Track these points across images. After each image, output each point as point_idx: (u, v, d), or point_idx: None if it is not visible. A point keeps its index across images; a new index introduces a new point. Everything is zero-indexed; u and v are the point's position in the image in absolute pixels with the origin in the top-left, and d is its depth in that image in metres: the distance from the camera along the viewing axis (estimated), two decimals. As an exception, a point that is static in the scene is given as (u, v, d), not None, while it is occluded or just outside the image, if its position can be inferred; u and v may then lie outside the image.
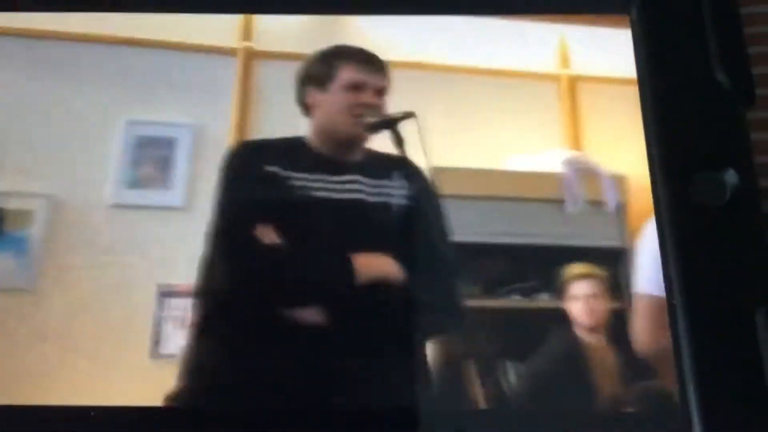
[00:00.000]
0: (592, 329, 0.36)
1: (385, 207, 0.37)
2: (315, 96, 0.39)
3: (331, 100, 0.39)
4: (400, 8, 0.41)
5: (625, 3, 0.38)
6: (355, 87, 0.39)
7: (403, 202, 0.37)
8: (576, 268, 0.37)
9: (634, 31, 0.38)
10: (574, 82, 0.43)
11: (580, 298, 0.36)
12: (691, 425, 0.28)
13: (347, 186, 0.37)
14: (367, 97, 0.39)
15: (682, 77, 0.35)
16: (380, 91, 0.39)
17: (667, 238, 0.33)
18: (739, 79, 0.33)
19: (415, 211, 0.37)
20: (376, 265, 0.35)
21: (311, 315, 0.35)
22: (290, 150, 0.39)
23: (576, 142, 0.41)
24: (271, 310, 0.34)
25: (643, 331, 0.35)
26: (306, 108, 0.40)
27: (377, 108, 0.39)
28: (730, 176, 0.32)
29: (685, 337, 0.30)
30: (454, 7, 0.41)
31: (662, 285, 0.37)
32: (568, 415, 0.33)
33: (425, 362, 0.34)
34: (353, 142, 0.39)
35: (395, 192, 0.37)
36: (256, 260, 0.35)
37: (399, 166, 0.38)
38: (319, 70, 0.39)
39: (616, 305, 0.37)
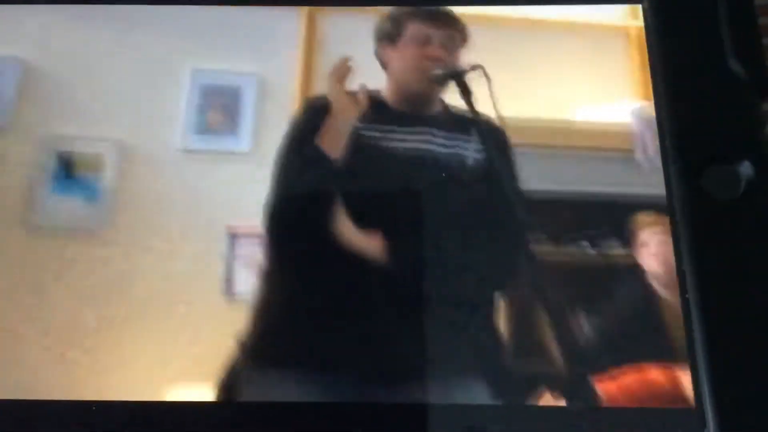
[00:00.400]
0: (666, 282, 0.36)
1: (457, 159, 0.37)
2: (387, 51, 0.40)
3: (400, 55, 0.39)
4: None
5: (639, -9, 0.37)
6: (422, 41, 0.39)
7: (476, 155, 0.37)
8: (643, 217, 0.37)
9: (646, 19, 0.37)
10: (641, 33, 0.42)
11: (650, 245, 0.36)
12: (705, 425, 0.28)
13: (417, 137, 0.37)
14: (432, 51, 0.39)
15: (695, 67, 0.34)
16: (447, 44, 0.39)
17: (680, 232, 0.32)
18: (754, 70, 0.33)
19: (487, 165, 0.37)
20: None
21: (373, 245, 0.34)
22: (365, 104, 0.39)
23: (647, 92, 0.40)
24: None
25: None
26: (382, 64, 0.40)
27: (443, 61, 0.39)
28: (745, 168, 0.31)
29: (699, 335, 0.30)
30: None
31: None
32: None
33: (491, 316, 0.34)
34: (422, 95, 0.39)
35: (469, 146, 0.37)
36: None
37: (476, 121, 0.38)
38: (390, 27, 0.40)
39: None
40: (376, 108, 0.38)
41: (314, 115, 0.38)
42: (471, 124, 0.38)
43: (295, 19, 0.44)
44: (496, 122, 0.38)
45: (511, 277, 0.36)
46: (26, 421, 0.30)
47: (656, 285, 0.36)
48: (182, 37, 0.43)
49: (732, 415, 0.28)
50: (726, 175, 0.32)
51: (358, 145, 0.37)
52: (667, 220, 0.37)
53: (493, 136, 0.38)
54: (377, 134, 0.37)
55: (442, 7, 0.41)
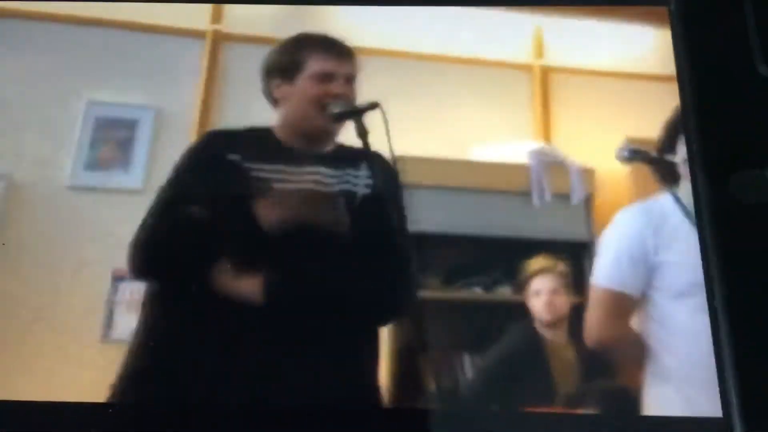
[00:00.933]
0: (552, 325, 0.36)
1: (345, 195, 0.36)
2: (282, 88, 0.38)
3: (299, 92, 0.38)
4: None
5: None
6: (324, 77, 0.38)
7: (364, 191, 0.37)
8: (537, 263, 0.36)
9: (673, 23, 0.36)
10: (547, 72, 0.42)
11: (542, 293, 0.36)
12: (732, 433, 0.27)
13: (305, 177, 0.36)
14: (336, 87, 0.38)
15: (723, 72, 0.34)
16: (349, 80, 0.38)
17: (707, 238, 0.31)
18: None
19: (374, 201, 0.37)
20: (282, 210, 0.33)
21: (251, 287, 0.33)
22: (256, 141, 0.38)
23: (545, 133, 0.40)
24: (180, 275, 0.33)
25: (595, 324, 0.35)
26: (272, 100, 0.39)
27: (347, 98, 0.38)
28: (773, 172, 0.30)
29: (726, 343, 0.29)
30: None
31: (623, 281, 0.36)
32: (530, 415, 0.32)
33: (373, 353, 0.33)
34: (322, 134, 0.38)
35: (357, 182, 0.37)
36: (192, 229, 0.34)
37: (365, 159, 0.38)
38: (285, 61, 0.38)
39: (578, 300, 0.36)
40: (267, 146, 0.37)
41: (202, 157, 0.37)
42: (361, 160, 0.37)
43: (197, 48, 0.43)
44: (387, 159, 0.37)
45: (394, 314, 0.36)
46: None
47: (544, 331, 0.36)
48: (78, 66, 0.42)
49: (759, 423, 0.27)
50: (754, 179, 0.30)
51: (244, 182, 0.36)
52: (557, 263, 0.37)
53: (382, 172, 0.37)
54: (266, 175, 0.36)
55: (340, 40, 0.40)
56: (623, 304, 0.35)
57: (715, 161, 0.32)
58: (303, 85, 0.38)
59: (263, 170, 0.36)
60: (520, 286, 0.36)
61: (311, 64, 0.38)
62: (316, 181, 0.36)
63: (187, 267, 0.34)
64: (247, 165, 0.36)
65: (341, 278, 0.34)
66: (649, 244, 0.36)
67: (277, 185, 0.36)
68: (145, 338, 0.32)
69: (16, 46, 0.42)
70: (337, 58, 0.39)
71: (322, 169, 0.36)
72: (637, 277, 0.36)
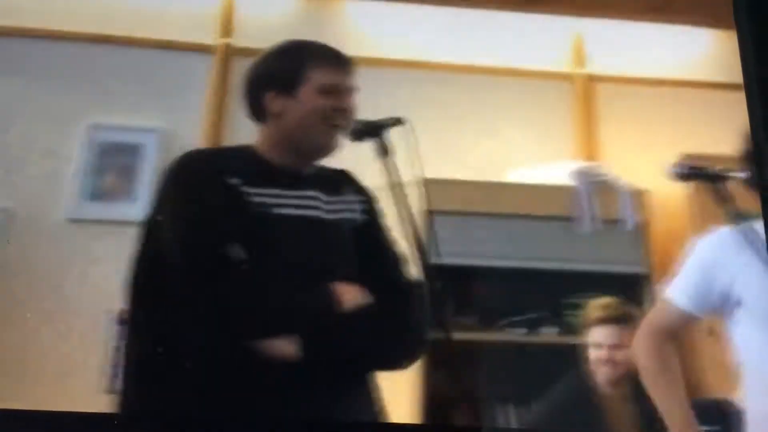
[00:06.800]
0: (613, 382, 0.32)
1: (340, 224, 0.33)
2: (279, 101, 0.34)
3: (303, 107, 0.34)
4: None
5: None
6: (330, 90, 0.34)
7: (362, 218, 0.34)
8: (598, 308, 0.32)
9: (738, 20, 0.32)
10: (589, 83, 0.38)
11: (602, 347, 0.32)
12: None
13: (306, 202, 0.33)
14: (342, 101, 0.34)
15: None
16: (352, 92, 0.35)
17: None
18: None
19: (371, 231, 0.33)
20: (353, 296, 0.31)
21: (285, 346, 0.30)
22: (244, 161, 0.34)
23: (590, 151, 0.36)
24: (245, 339, 0.31)
25: (644, 341, 0.31)
26: (262, 114, 0.35)
27: (352, 112, 0.35)
28: None
29: None
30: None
31: (698, 303, 0.33)
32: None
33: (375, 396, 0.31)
34: (325, 151, 0.34)
35: (347, 208, 0.34)
36: (231, 285, 0.31)
37: (346, 181, 0.35)
38: (283, 71, 0.34)
39: None
40: (261, 168, 0.33)
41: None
42: (344, 183, 0.34)
43: (205, 64, 0.40)
44: (364, 186, 0.34)
45: (408, 357, 0.33)
46: None
47: (603, 385, 0.32)
48: (78, 87, 0.39)
49: None
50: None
51: (249, 208, 0.32)
52: (620, 309, 0.33)
53: (369, 194, 0.34)
54: (266, 200, 0.33)
55: (340, 51, 0.36)
56: (681, 323, 0.32)
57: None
58: (307, 99, 0.34)
59: (262, 194, 0.32)
60: (579, 333, 0.33)
61: (315, 75, 0.34)
62: (315, 207, 0.33)
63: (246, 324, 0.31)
64: (247, 190, 0.32)
65: (368, 325, 0.31)
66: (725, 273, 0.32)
67: (277, 210, 0.33)
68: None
69: (11, 66, 0.39)
70: (342, 69, 0.35)
71: (317, 194, 0.33)
72: (705, 300, 0.33)
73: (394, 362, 0.32)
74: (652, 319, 0.32)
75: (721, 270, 0.33)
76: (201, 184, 0.33)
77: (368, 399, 0.32)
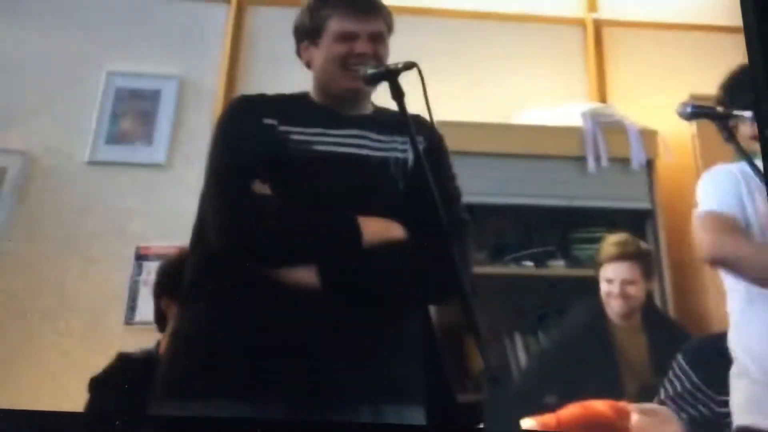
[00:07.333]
0: (625, 315, 0.33)
1: (389, 163, 0.34)
2: (308, 51, 0.36)
3: (323, 54, 0.36)
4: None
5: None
6: (346, 37, 0.36)
7: (408, 159, 0.34)
8: (612, 246, 0.33)
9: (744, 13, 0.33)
10: (600, 26, 0.38)
11: (615, 282, 0.33)
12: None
13: (350, 140, 0.34)
14: (360, 47, 0.35)
15: None
16: (375, 38, 0.36)
17: None
18: None
19: (420, 170, 0.34)
20: (381, 229, 0.32)
21: (308, 275, 0.32)
22: (291, 104, 0.36)
23: (601, 94, 0.36)
24: (268, 268, 0.32)
25: (707, 243, 0.32)
26: (306, 63, 0.37)
27: (373, 56, 0.36)
28: None
29: None
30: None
31: (723, 201, 0.33)
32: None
33: (426, 332, 0.31)
34: (352, 95, 0.36)
35: (401, 148, 0.34)
36: (255, 216, 0.33)
37: (409, 122, 0.35)
38: (309, 22, 0.36)
39: (651, 285, 0.33)
40: (306, 110, 0.35)
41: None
42: (404, 125, 0.34)
43: (222, 13, 0.41)
44: (428, 123, 0.34)
45: (446, 295, 0.33)
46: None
47: (614, 316, 0.33)
48: (97, 34, 0.39)
49: None
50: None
51: (285, 146, 0.34)
52: (634, 245, 0.34)
53: (427, 138, 0.34)
54: (305, 138, 0.34)
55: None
56: (730, 224, 0.33)
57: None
58: (326, 46, 0.36)
59: (303, 133, 0.34)
60: (583, 263, 0.33)
61: (332, 23, 0.36)
62: (360, 145, 0.34)
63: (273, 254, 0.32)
64: (285, 129, 0.34)
65: (394, 258, 0.32)
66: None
67: (317, 147, 0.34)
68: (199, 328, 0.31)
69: (30, 14, 0.40)
70: (360, 15, 0.36)
71: (364, 132, 0.34)
72: (738, 204, 0.34)
73: (429, 298, 0.33)
74: (703, 237, 0.33)
75: (736, 187, 0.33)
76: (236, 125, 0.35)
77: (401, 335, 0.32)
